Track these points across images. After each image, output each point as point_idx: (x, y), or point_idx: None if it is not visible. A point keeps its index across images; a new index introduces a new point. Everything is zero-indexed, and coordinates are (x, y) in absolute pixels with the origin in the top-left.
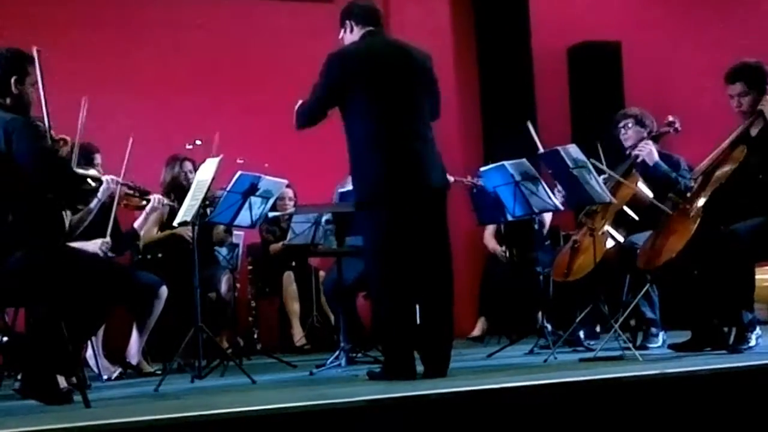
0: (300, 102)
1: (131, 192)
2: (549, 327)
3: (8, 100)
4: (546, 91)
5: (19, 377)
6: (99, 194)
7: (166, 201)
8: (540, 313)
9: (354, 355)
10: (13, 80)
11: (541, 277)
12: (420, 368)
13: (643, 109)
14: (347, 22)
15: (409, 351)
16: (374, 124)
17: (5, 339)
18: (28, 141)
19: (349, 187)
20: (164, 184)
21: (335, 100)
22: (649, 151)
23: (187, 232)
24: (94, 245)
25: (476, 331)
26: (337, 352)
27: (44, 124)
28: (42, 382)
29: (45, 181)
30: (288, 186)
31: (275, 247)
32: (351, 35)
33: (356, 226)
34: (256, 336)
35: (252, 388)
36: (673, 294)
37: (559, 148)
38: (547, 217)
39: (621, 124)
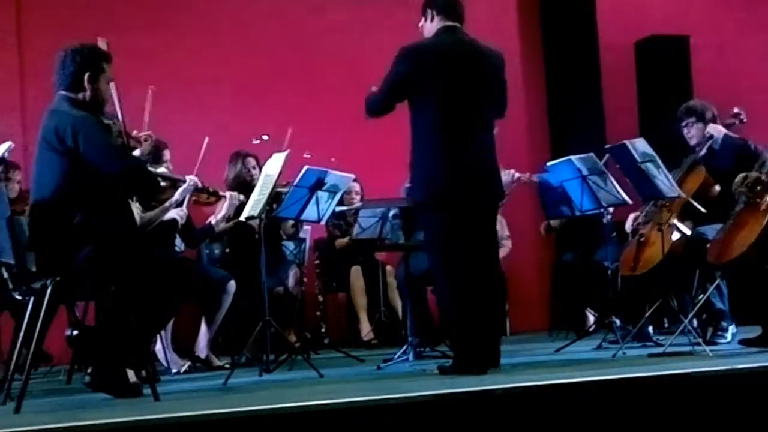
0: (371, 90)
1: (202, 191)
2: (617, 322)
3: (80, 96)
4: (613, 86)
5: (89, 371)
6: (177, 194)
7: (242, 197)
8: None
9: (422, 349)
10: (86, 77)
11: (609, 272)
12: None
13: (703, 101)
14: (429, 10)
15: (478, 346)
16: (437, 125)
17: (75, 332)
18: (94, 139)
19: None
20: (228, 180)
21: (402, 94)
22: (718, 130)
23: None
24: (172, 212)
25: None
26: (405, 347)
27: (119, 122)
28: (112, 375)
29: (117, 178)
30: (355, 180)
31: (341, 242)
32: (430, 25)
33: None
34: (323, 330)
35: (319, 382)
36: (744, 288)
37: (626, 142)
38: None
39: (684, 123)
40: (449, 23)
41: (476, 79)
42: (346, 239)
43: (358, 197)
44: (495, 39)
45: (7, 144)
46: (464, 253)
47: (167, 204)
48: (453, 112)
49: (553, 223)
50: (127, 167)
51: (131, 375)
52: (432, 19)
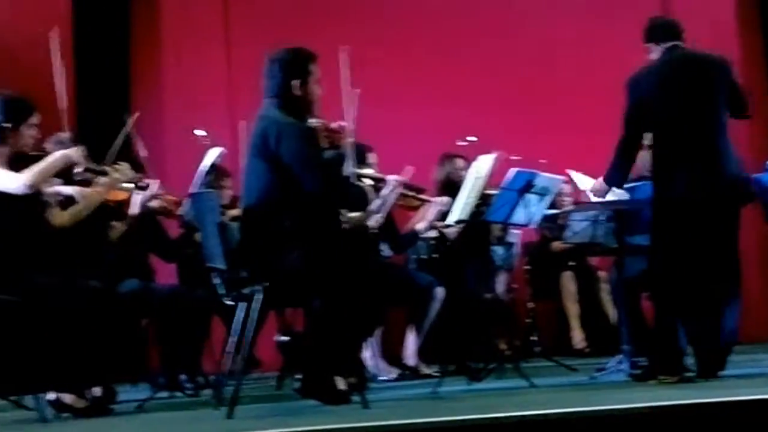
0: None
1: (408, 192)
2: None
3: (290, 102)
4: None
5: (299, 377)
6: (384, 194)
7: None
8: None
9: (637, 359)
10: (295, 84)
11: None
12: None
13: None
14: (649, 40)
15: (679, 351)
16: (674, 135)
17: (286, 338)
18: (296, 149)
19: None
20: (437, 182)
21: (642, 121)
22: None
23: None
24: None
25: None
26: (619, 356)
27: (321, 123)
28: (321, 382)
29: (310, 187)
30: (566, 182)
31: (558, 245)
32: (655, 48)
33: (641, 223)
34: (534, 338)
35: (530, 391)
36: None
37: None
38: None
39: None
40: (669, 44)
41: (703, 88)
42: (561, 243)
43: (570, 200)
44: (710, 33)
45: (219, 150)
46: (697, 257)
47: (373, 206)
48: (687, 123)
49: None
50: (323, 185)
51: (340, 382)
52: (655, 47)
